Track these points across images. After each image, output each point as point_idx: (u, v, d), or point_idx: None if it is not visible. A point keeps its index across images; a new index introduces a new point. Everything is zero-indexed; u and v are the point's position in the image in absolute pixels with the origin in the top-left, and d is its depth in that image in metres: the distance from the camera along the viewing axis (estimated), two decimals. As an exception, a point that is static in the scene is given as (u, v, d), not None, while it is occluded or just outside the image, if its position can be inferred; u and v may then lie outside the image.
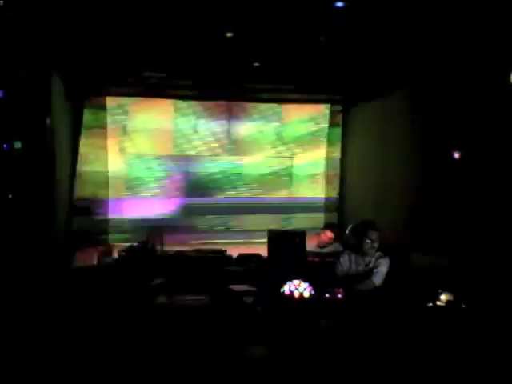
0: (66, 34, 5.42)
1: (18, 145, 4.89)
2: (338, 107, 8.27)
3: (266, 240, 6.03)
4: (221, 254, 6.41)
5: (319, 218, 8.32)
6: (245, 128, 8.12)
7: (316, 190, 8.41)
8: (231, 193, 8.16)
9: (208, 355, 3.58)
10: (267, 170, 8.27)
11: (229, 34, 5.55)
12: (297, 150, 8.30)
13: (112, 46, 5.90)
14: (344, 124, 8.30)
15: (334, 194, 8.36)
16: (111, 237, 7.63)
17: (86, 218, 7.45)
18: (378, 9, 4.90)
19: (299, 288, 4.16)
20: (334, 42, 5.78)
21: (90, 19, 5.11)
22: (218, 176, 8.10)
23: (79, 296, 4.35)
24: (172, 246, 6.79)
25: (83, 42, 5.67)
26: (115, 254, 6.24)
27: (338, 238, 6.54)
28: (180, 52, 6.12)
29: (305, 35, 5.57)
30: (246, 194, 8.21)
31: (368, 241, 4.85)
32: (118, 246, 6.64)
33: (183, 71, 6.88)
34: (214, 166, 8.07)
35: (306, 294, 4.14)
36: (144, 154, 7.88)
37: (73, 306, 4.13)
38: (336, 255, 5.27)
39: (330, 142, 8.36)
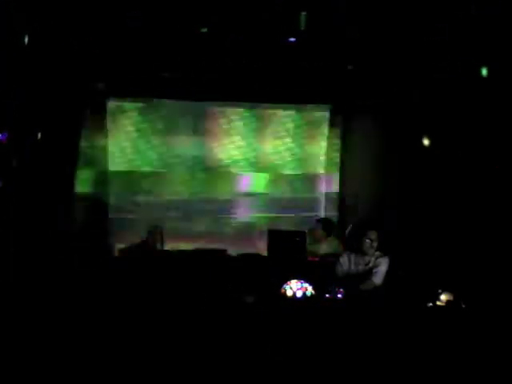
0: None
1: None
2: (339, 107, 8.26)
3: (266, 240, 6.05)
4: (221, 254, 6.40)
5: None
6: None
7: (316, 190, 8.40)
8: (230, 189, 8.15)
9: (210, 355, 3.59)
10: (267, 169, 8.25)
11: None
12: (296, 149, 8.29)
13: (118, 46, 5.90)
14: (344, 123, 8.29)
15: (334, 194, 8.35)
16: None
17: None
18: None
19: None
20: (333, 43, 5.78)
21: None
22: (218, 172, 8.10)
23: (79, 296, 4.35)
24: (172, 245, 6.80)
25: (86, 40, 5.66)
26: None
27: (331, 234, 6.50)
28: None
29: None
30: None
31: (367, 240, 4.87)
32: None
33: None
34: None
35: (289, 293, 4.20)
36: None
37: (73, 307, 4.14)
38: (336, 255, 5.29)
39: (329, 141, 8.36)
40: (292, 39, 5.71)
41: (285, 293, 4.24)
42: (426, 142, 6.34)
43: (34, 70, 5.16)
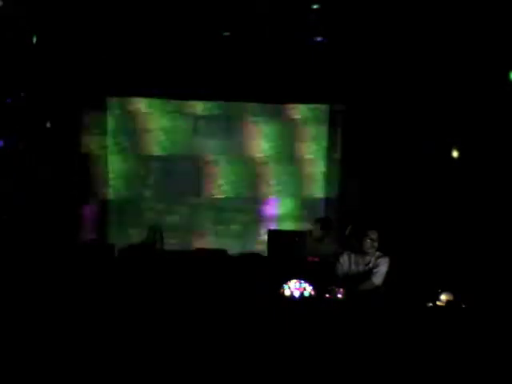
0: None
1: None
2: (339, 107, 8.26)
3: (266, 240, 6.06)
4: (221, 254, 6.40)
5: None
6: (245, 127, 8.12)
7: (316, 190, 8.39)
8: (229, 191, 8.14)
9: (209, 355, 3.59)
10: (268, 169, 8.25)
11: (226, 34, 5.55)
12: (297, 149, 8.29)
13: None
14: (345, 124, 8.29)
15: (334, 194, 8.34)
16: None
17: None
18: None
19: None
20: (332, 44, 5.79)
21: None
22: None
23: (79, 297, 4.35)
24: (172, 245, 6.80)
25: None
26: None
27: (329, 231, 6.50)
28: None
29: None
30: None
31: (368, 240, 4.86)
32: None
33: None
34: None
35: (287, 293, 4.21)
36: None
37: (73, 307, 4.14)
38: (336, 255, 5.28)
39: (329, 142, 8.35)
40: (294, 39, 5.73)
41: (283, 292, 4.25)
42: (426, 142, 6.35)
43: (34, 70, 5.17)
